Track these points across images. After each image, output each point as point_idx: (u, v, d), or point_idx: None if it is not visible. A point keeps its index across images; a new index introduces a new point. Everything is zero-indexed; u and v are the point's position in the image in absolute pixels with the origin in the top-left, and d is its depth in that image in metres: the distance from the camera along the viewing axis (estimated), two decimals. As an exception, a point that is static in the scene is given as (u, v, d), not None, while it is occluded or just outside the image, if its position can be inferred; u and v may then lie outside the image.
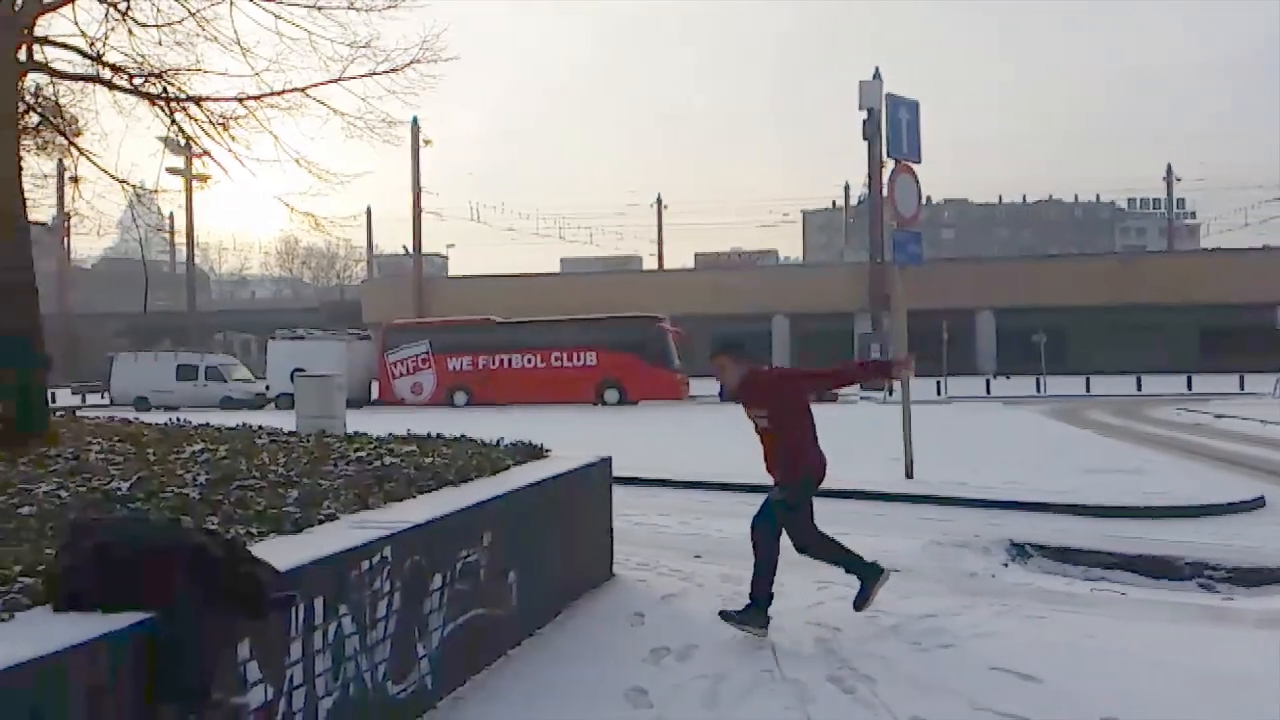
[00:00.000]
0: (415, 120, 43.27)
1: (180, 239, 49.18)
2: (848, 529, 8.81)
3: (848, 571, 5.59)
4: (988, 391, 36.72)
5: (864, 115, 39.45)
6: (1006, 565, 7.66)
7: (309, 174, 8.38)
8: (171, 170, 27.65)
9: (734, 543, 8.16)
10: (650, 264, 67.65)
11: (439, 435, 7.55)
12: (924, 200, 13.11)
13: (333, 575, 3.67)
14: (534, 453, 6.77)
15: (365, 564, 3.88)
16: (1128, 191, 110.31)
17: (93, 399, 38.82)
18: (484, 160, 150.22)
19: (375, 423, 10.49)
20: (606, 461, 6.96)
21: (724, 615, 5.34)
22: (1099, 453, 14.97)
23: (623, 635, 5.41)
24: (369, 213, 61.22)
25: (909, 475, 11.44)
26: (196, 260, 55.23)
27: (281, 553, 3.51)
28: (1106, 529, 8.76)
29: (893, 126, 11.92)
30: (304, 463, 5.75)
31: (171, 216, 41.48)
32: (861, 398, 34.32)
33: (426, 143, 50.21)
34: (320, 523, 4.24)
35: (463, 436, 7.45)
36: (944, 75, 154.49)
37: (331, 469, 5.60)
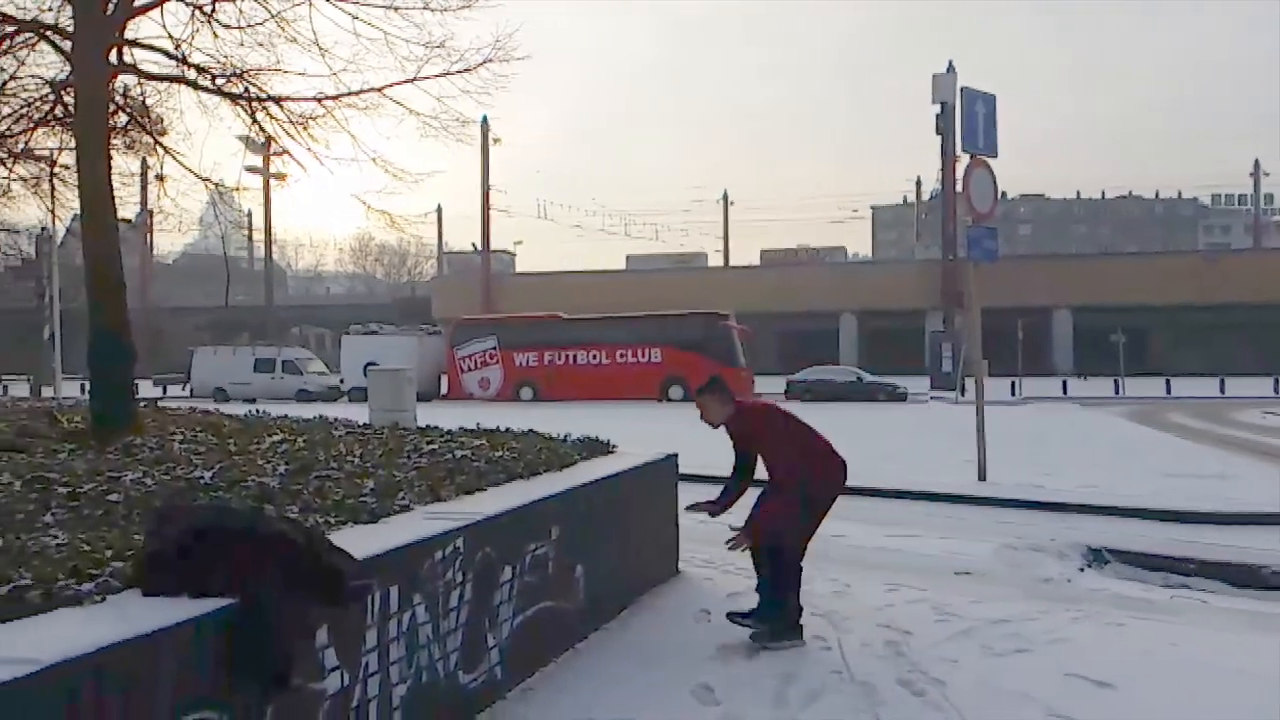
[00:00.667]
0: (485, 119, 43.68)
1: (259, 235, 50.51)
2: (918, 531, 8.74)
3: (767, 607, 5.24)
4: (1064, 392, 35.82)
5: (937, 109, 38.76)
6: (1082, 570, 7.47)
7: (385, 172, 8.54)
8: (250, 169, 28.47)
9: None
10: (715, 261, 67.46)
11: (507, 429, 7.63)
12: (999, 195, 12.83)
13: (407, 565, 3.74)
14: (601, 448, 6.81)
15: (438, 554, 3.95)
16: (1211, 187, 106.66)
17: (174, 390, 40.13)
18: (551, 158, 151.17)
19: (444, 416, 10.65)
20: (672, 458, 6.96)
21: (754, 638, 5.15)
22: (1179, 457, 14.49)
23: (689, 632, 5.41)
24: (439, 210, 62.17)
25: (982, 478, 11.22)
26: (274, 256, 56.65)
27: (358, 542, 3.59)
28: (1186, 535, 8.48)
29: (968, 120, 11.69)
30: (379, 454, 5.87)
31: (250, 214, 42.66)
32: (932, 398, 33.77)
33: (496, 141, 50.74)
34: (395, 513, 4.32)
35: (530, 431, 7.51)
36: (1018, 66, 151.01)
37: (405, 461, 5.70)
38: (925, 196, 72.79)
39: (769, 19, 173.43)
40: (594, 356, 33.32)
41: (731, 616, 5.26)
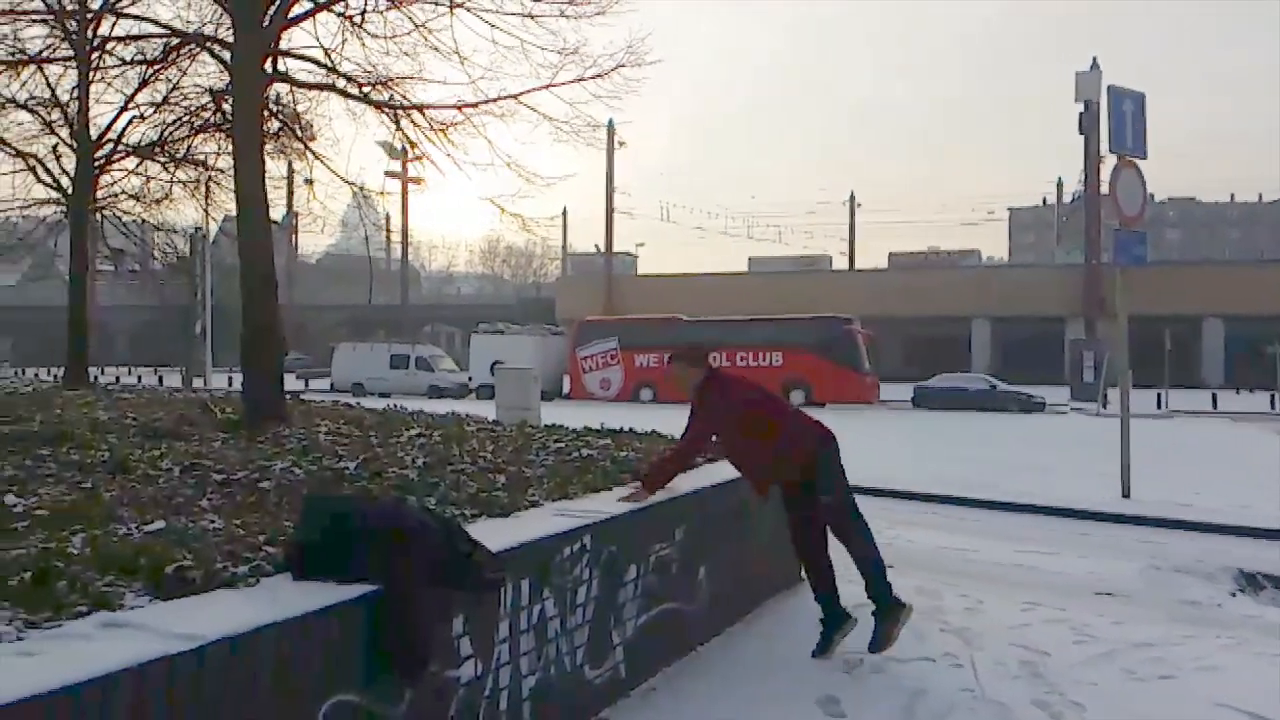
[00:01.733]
0: (611, 122, 44.26)
1: (395, 237, 52.50)
2: (1056, 548, 8.38)
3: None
4: (1214, 406, 33.69)
5: (1080, 108, 37.13)
6: (1234, 595, 7.01)
7: (518, 176, 8.75)
8: (390, 174, 29.65)
9: (927, 554, 7.89)
10: (841, 263, 66.35)
11: (630, 430, 7.70)
12: (1148, 198, 12.18)
13: (538, 559, 3.82)
14: (726, 451, 6.77)
15: (567, 550, 4.02)
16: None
17: (315, 384, 42.09)
18: (674, 159, 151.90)
19: (566, 415, 10.82)
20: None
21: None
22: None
23: (814, 641, 5.33)
24: (564, 213, 63.22)
25: (1125, 494, 10.67)
26: (409, 258, 58.76)
27: (491, 535, 3.68)
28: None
29: (1115, 119, 11.13)
30: (509, 450, 6.01)
31: (388, 216, 44.44)
32: (1073, 408, 32.31)
33: (621, 144, 51.28)
34: (525, 508, 4.42)
35: (653, 432, 7.56)
36: (1167, 62, 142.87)
37: (534, 458, 5.83)
38: (1066, 198, 69.74)
39: (899, 13, 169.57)
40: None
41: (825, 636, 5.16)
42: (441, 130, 8.51)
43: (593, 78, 8.44)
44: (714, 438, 5.30)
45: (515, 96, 8.45)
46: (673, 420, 11.68)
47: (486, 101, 8.39)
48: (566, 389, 36.15)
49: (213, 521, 3.97)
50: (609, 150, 50.69)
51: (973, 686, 4.64)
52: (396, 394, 32.33)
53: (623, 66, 8.42)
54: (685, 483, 5.54)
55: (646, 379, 34.14)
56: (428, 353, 41.21)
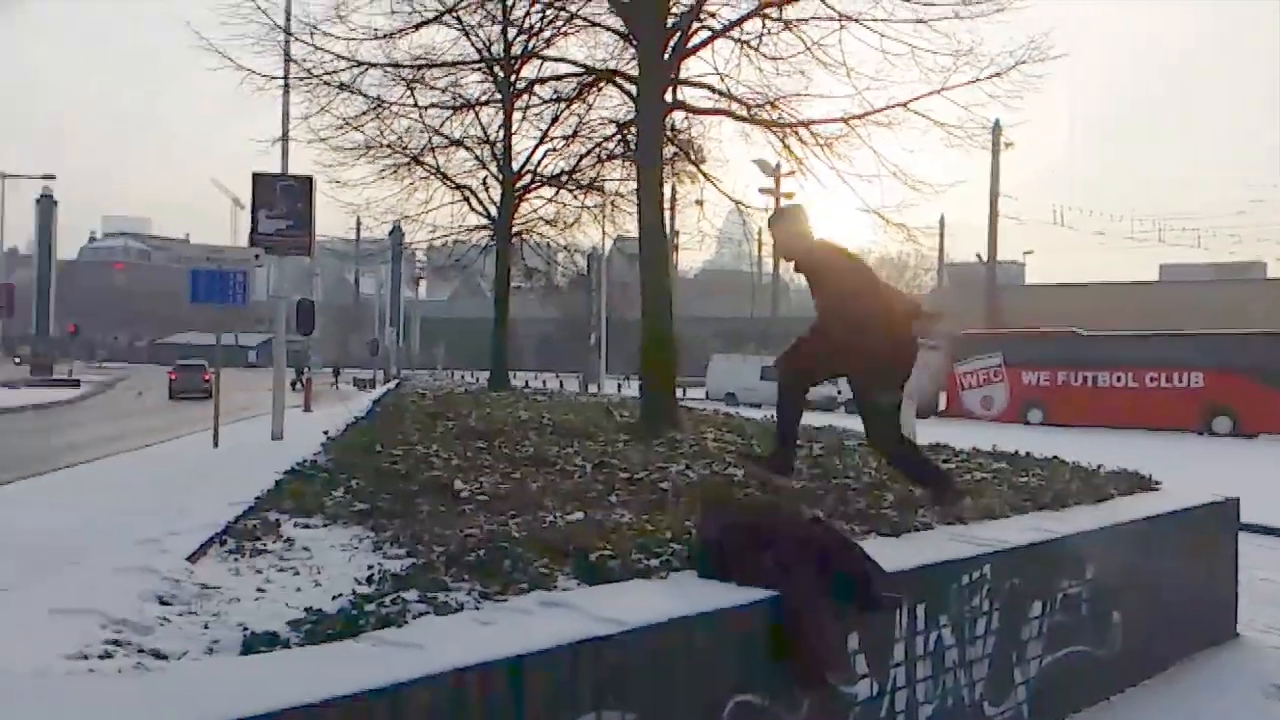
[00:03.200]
0: (997, 123, 41.88)
1: (768, 251, 53.58)
2: None
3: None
4: None
5: None
6: None
7: (904, 185, 8.56)
8: (763, 190, 30.41)
9: None
10: (1276, 271, 57.09)
11: (1028, 454, 7.20)
12: None
13: (934, 584, 3.68)
14: (1141, 483, 6.10)
15: (965, 578, 3.83)
16: None
17: (692, 393, 44.21)
18: (1069, 158, 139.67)
19: (944, 434, 10.34)
20: (1232, 503, 6.01)
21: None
22: None
23: (1252, 708, 4.62)
24: (941, 221, 60.66)
25: None
26: (779, 270, 59.71)
27: (882, 553, 3.61)
28: None
29: None
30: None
31: (759, 231, 45.57)
32: None
33: (1007, 145, 48.16)
34: (916, 529, 4.28)
35: (1054, 458, 7.01)
36: None
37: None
38: None
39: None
40: (1117, 378, 30.02)
41: None
42: (827, 144, 8.56)
43: (989, 78, 8.03)
44: None
45: (904, 104, 8.28)
46: (1068, 443, 10.75)
47: (874, 111, 8.30)
48: (942, 405, 34.62)
49: (622, 516, 4.30)
50: (994, 152, 47.83)
51: None
52: (767, 405, 32.89)
53: (1023, 63, 7.91)
54: (1096, 516, 5.07)
55: (1035, 398, 31.71)
56: (800, 365, 41.48)
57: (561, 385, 32.57)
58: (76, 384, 40.91)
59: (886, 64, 8.30)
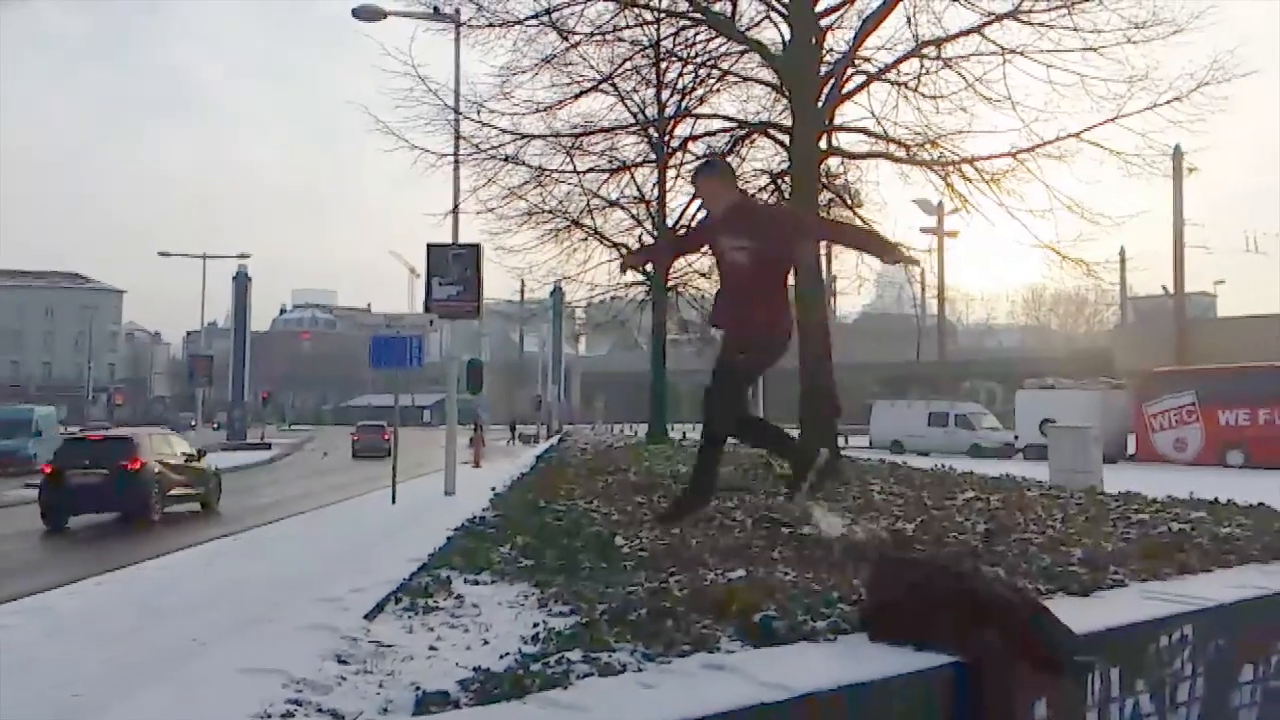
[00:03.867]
0: (1178, 148, 39.52)
1: (930, 293, 52.10)
2: None
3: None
4: None
5: None
6: None
7: (1080, 218, 8.16)
8: (924, 230, 29.65)
9: None
10: None
11: (1229, 501, 6.61)
12: None
13: (1129, 646, 3.39)
14: (1369, 534, 5.46)
15: (1164, 640, 3.51)
16: None
17: (855, 441, 43.07)
18: (1260, 180, 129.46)
19: (1135, 480, 9.64)
20: None
21: None
22: None
23: None
24: (1122, 253, 57.29)
25: None
26: (945, 312, 57.83)
27: (1070, 614, 3.35)
28: None
29: None
30: (1081, 520, 5.50)
31: (922, 272, 44.32)
32: None
33: (1190, 170, 45.19)
34: (1108, 588, 3.98)
35: (1260, 504, 6.41)
36: None
37: (1110, 530, 5.25)
38: None
39: None
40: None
41: None
42: (993, 180, 8.27)
43: (1168, 103, 7.58)
44: None
45: (1076, 135, 7.92)
46: (1272, 489, 9.84)
47: (1043, 144, 7.99)
48: (1131, 449, 32.37)
49: (786, 573, 4.19)
50: (1176, 179, 44.96)
51: None
52: (935, 453, 31.79)
53: (1205, 85, 7.43)
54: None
55: (1235, 439, 29.22)
56: (968, 410, 39.90)
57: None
58: (269, 447, 43.95)
59: (1055, 95, 7.99)
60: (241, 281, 54.21)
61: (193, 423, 54.23)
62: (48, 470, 14.89)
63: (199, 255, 38.76)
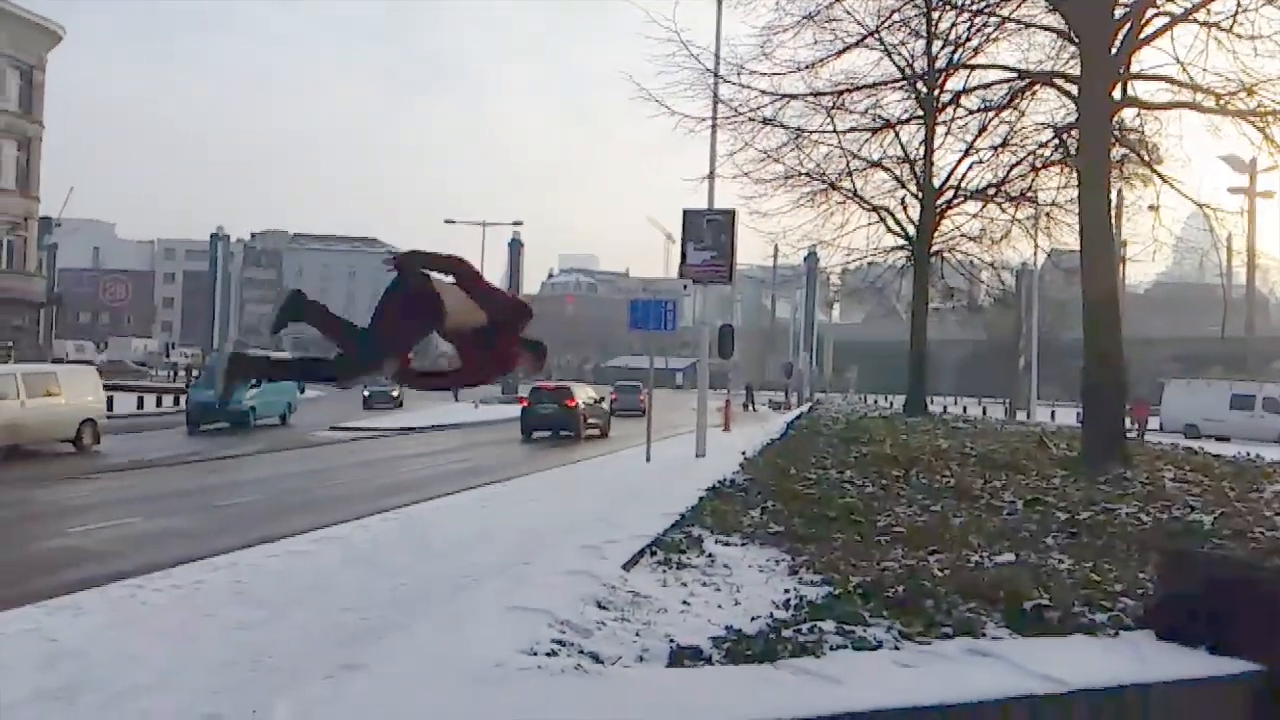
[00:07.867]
0: None
1: (1239, 260, 46.37)
2: None
3: None
4: None
5: None
6: None
7: None
8: (1233, 189, 26.30)
9: None
10: None
11: None
12: None
13: None
14: None
15: None
16: None
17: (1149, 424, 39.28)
18: None
19: None
20: None
21: None
22: None
23: None
24: None
25: None
26: (1255, 282, 51.35)
27: None
28: None
29: None
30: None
31: (1229, 237, 39.49)
32: None
33: None
34: None
35: None
36: None
37: None
38: None
39: None
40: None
41: None
42: (1326, 132, 7.15)
43: None
44: None
45: None
46: None
47: (1394, 87, 6.78)
48: None
49: (1061, 561, 3.90)
50: None
51: None
52: (1237, 439, 28.35)
53: None
54: None
55: None
56: (1279, 393, 35.25)
57: (984, 411, 30.71)
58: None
59: None
60: (515, 247, 57.45)
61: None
62: (524, 403, 22.65)
63: (479, 223, 41.50)
